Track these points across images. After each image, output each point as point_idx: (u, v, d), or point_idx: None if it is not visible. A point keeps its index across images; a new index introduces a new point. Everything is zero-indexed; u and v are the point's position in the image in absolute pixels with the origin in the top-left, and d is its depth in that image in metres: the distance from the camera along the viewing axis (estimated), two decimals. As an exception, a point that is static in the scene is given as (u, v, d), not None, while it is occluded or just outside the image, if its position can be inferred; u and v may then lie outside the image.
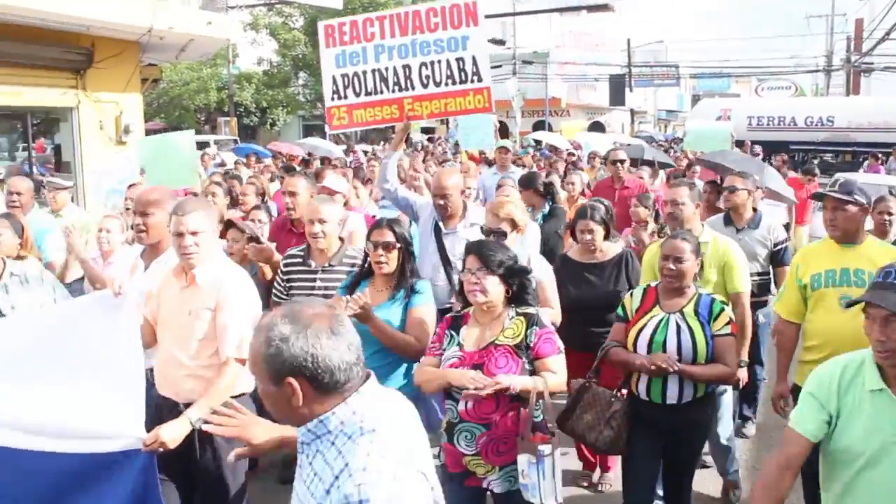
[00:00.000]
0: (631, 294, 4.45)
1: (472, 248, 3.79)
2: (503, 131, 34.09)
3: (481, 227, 4.92)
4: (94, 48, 12.90)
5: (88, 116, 13.29)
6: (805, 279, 4.53)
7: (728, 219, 6.40)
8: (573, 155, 18.66)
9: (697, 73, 52.40)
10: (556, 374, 3.67)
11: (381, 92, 6.23)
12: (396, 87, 6.19)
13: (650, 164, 11.99)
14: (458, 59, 6.03)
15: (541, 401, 3.60)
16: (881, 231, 6.35)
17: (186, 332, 3.92)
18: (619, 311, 4.41)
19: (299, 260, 4.95)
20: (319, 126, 37.70)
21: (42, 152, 19.05)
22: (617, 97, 44.52)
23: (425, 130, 32.83)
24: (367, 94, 6.28)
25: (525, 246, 5.77)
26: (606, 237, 5.53)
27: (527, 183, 7.68)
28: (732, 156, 10.05)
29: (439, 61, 6.07)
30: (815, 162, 33.01)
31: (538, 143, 26.16)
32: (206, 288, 3.90)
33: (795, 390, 4.48)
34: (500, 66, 35.87)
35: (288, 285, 4.95)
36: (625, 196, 8.49)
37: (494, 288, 3.67)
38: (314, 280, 4.82)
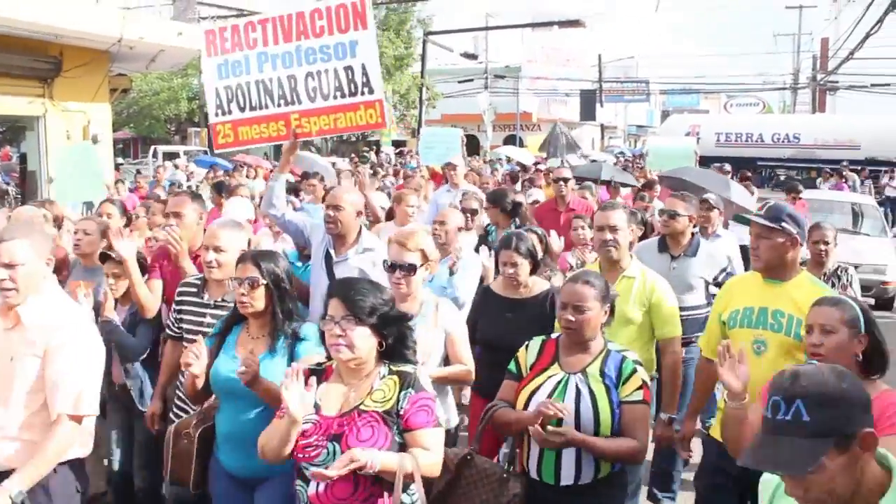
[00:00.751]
0: (526, 346, 3.66)
1: (337, 291, 3.04)
2: (473, 146, 34.23)
3: (384, 261, 4.18)
4: (63, 57, 12.77)
5: (55, 126, 13.13)
6: (724, 315, 3.99)
7: (663, 244, 5.72)
8: (540, 170, 17.40)
9: (667, 88, 53.03)
10: (429, 451, 2.93)
11: (266, 106, 5.65)
12: (282, 101, 5.62)
13: (608, 183, 11.21)
14: (346, 69, 5.46)
15: (412, 485, 2.90)
16: (817, 262, 6.04)
17: (6, 383, 3.26)
18: (512, 366, 3.64)
19: (194, 290, 4.33)
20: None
21: (8, 161, 18.86)
22: (587, 112, 44.85)
23: (396, 144, 32.89)
24: (252, 108, 5.68)
25: (463, 280, 5.28)
26: (534, 271, 4.89)
27: (494, 200, 7.15)
28: (694, 172, 9.50)
29: (326, 71, 5.50)
30: (782, 178, 33.97)
31: (510, 158, 26.25)
32: (35, 329, 3.29)
33: (713, 443, 3.96)
34: (471, 80, 36.07)
35: (178, 317, 4.35)
36: (570, 220, 7.39)
37: (364, 341, 2.95)
38: (204, 315, 4.21)
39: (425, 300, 4.14)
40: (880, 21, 13.47)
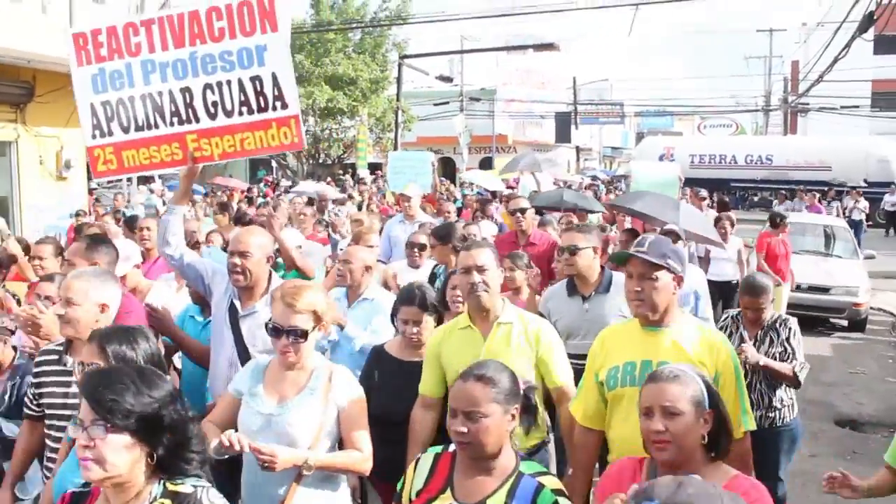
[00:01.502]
0: (415, 463, 2.83)
1: (84, 387, 2.27)
2: (449, 169, 34.26)
3: (266, 324, 3.38)
4: (35, 82, 12.75)
5: (28, 151, 13.09)
6: (601, 374, 3.41)
7: (572, 286, 5.01)
8: (504, 196, 15.97)
9: (641, 110, 53.49)
10: None
11: (157, 125, 4.70)
12: (176, 119, 4.66)
13: (572, 210, 10.40)
14: (253, 79, 4.54)
15: None
16: (752, 322, 5.28)
17: None
18: (399, 485, 2.86)
19: (55, 357, 3.64)
20: (267, 160, 37.47)
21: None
22: (563, 134, 45.10)
23: (372, 167, 32.89)
24: (139, 128, 4.72)
25: (375, 327, 4.72)
26: (439, 323, 4.23)
27: (443, 236, 6.36)
28: (648, 198, 8.73)
29: (229, 82, 4.56)
30: (756, 199, 34.30)
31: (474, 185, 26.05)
32: None
33: None
34: (447, 103, 36.20)
35: (38, 392, 3.63)
36: (530, 255, 6.15)
37: (119, 455, 2.17)
38: (69, 385, 3.49)
39: (316, 368, 3.38)
40: (847, 46, 13.65)
